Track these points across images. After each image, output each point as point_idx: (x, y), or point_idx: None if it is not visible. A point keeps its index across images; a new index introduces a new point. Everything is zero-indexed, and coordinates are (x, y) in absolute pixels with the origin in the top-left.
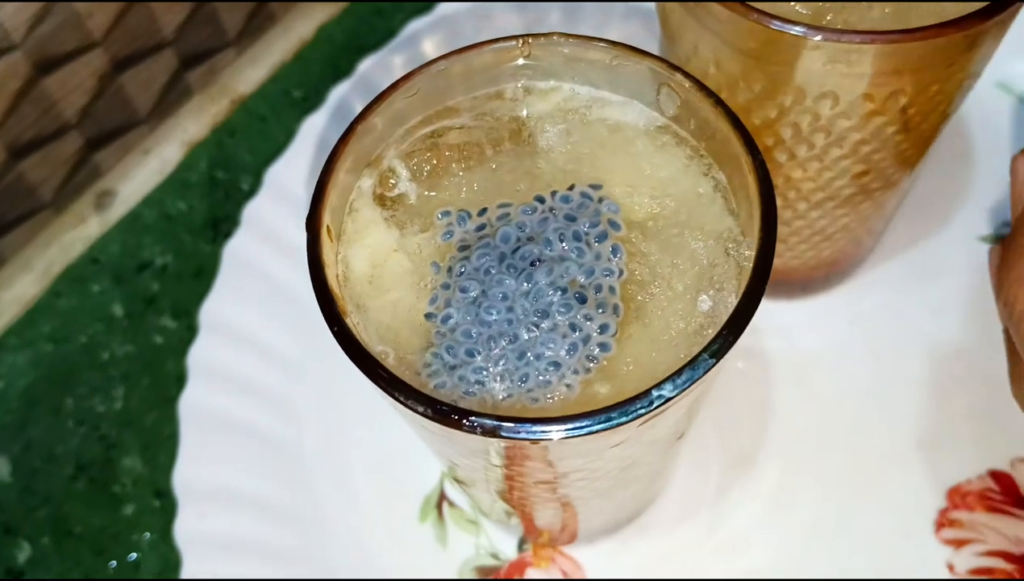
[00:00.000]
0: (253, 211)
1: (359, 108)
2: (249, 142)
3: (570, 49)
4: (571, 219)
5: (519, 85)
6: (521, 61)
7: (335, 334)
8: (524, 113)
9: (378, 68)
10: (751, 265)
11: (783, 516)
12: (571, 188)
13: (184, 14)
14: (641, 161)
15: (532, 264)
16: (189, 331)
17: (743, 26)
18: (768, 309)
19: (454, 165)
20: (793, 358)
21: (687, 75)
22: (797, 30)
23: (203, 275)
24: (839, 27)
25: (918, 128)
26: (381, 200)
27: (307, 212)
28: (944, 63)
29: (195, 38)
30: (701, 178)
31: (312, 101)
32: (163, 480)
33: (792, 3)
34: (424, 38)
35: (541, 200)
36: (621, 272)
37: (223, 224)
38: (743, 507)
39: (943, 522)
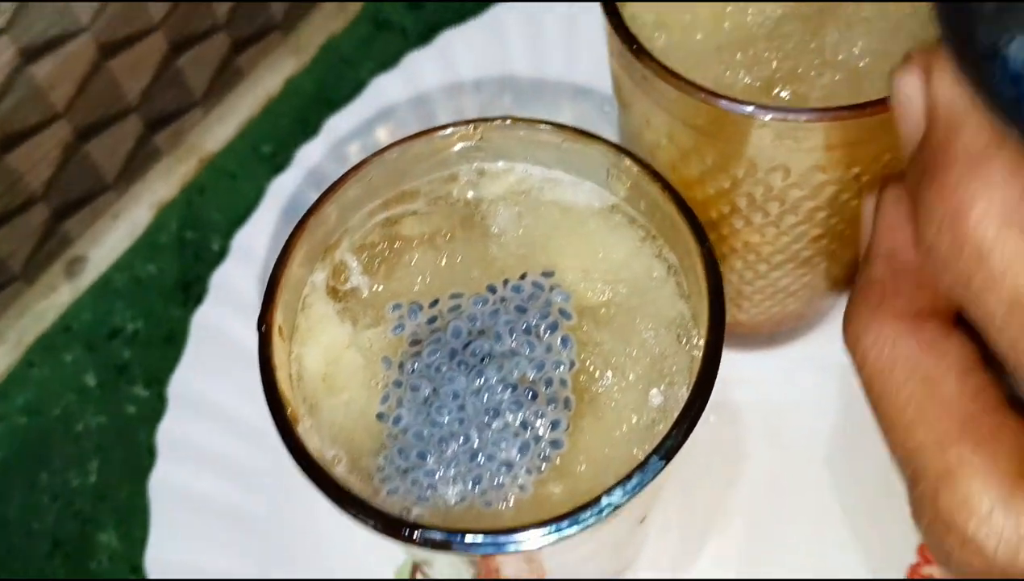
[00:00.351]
0: (221, 278)
1: (326, 168)
2: (218, 200)
3: (522, 132)
4: (522, 310)
5: (473, 167)
6: (474, 143)
7: (286, 445)
8: (477, 196)
9: (344, 125)
10: (701, 355)
11: (754, 573)
12: (523, 277)
13: (148, 78)
14: (594, 243)
15: (483, 360)
16: (160, 400)
17: (691, 104)
18: (736, 361)
19: (406, 256)
20: (762, 410)
21: (635, 159)
22: (745, 109)
23: (174, 341)
24: (789, 100)
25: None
26: (334, 293)
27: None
28: (897, 133)
29: (160, 101)
30: (653, 260)
31: (281, 157)
32: (138, 555)
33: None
34: (389, 94)
35: (492, 290)
36: (572, 363)
37: (193, 286)
38: (715, 564)
39: (915, 577)
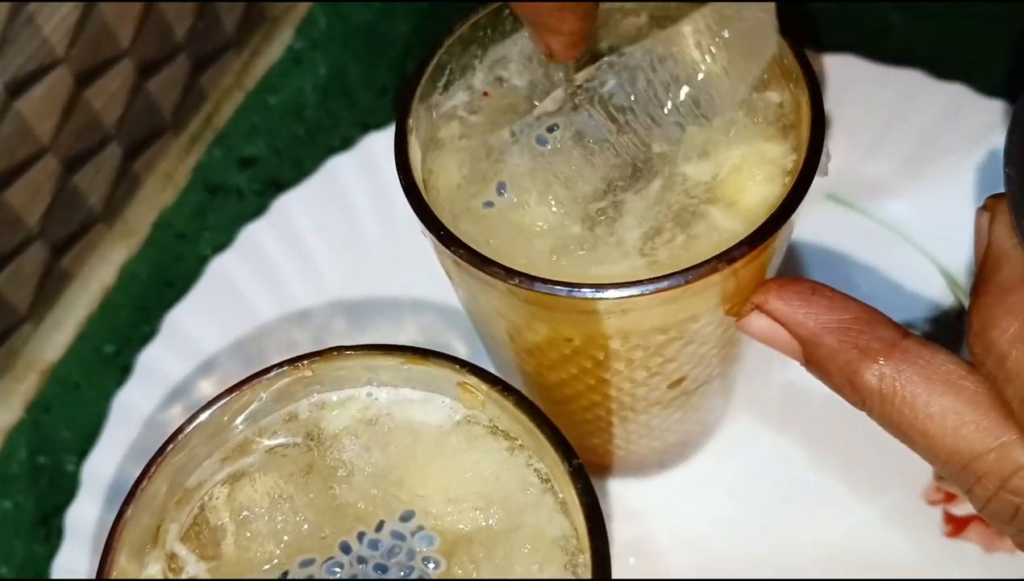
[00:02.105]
0: (75, 516)
1: (169, 371)
2: (67, 416)
3: (356, 360)
4: (383, 569)
5: (312, 401)
6: (308, 375)
7: None
8: (320, 435)
9: (185, 318)
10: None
11: None
12: (380, 527)
13: None
14: (457, 463)
15: None
16: None
17: (504, 287)
18: (632, 491)
19: (246, 526)
20: (677, 538)
21: (482, 375)
22: (560, 291)
23: None
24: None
25: (722, 336)
26: None
27: None
28: (729, 289)
29: None
30: (525, 471)
31: (125, 356)
32: None
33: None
34: (230, 274)
35: (347, 549)
36: None
37: (52, 519)
38: None
39: None
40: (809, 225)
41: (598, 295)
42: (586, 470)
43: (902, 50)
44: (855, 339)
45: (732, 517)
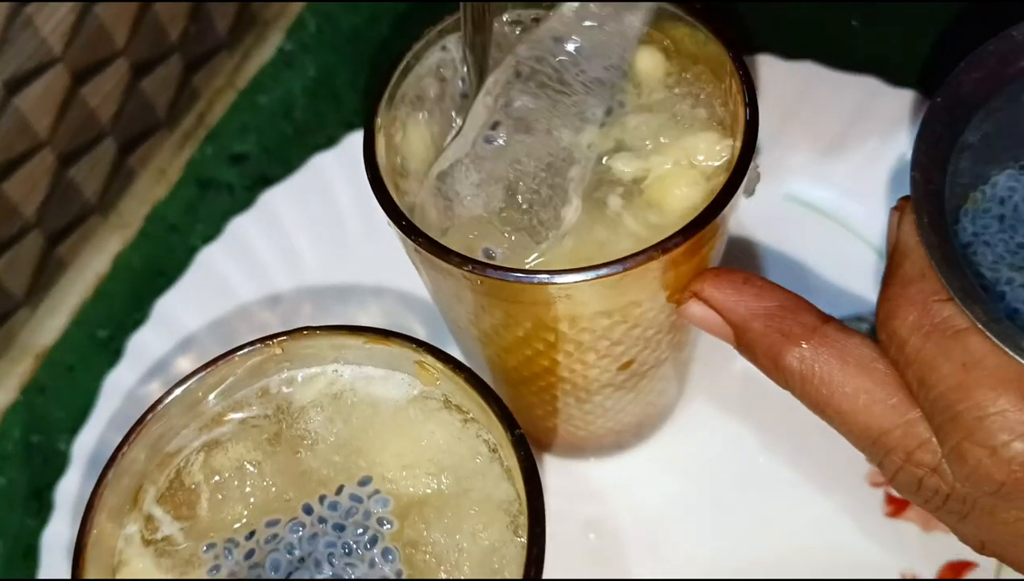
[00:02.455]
0: (64, 489)
1: (158, 354)
2: (60, 397)
3: (323, 339)
4: (340, 529)
5: (282, 377)
6: (278, 353)
7: None
8: (288, 408)
9: (174, 305)
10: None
11: None
12: (339, 490)
13: None
14: (414, 433)
15: None
16: None
17: (459, 273)
18: (592, 471)
19: (219, 489)
20: (636, 515)
21: (438, 354)
22: (508, 277)
23: (31, 556)
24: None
25: (667, 321)
26: (149, 544)
27: None
28: (668, 278)
29: None
30: (475, 441)
31: (117, 341)
32: None
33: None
34: (217, 264)
35: (309, 510)
36: (400, 573)
37: (45, 494)
38: None
39: None
40: (767, 223)
41: (547, 280)
42: (527, 440)
43: (863, 56)
44: (779, 324)
45: (687, 497)
